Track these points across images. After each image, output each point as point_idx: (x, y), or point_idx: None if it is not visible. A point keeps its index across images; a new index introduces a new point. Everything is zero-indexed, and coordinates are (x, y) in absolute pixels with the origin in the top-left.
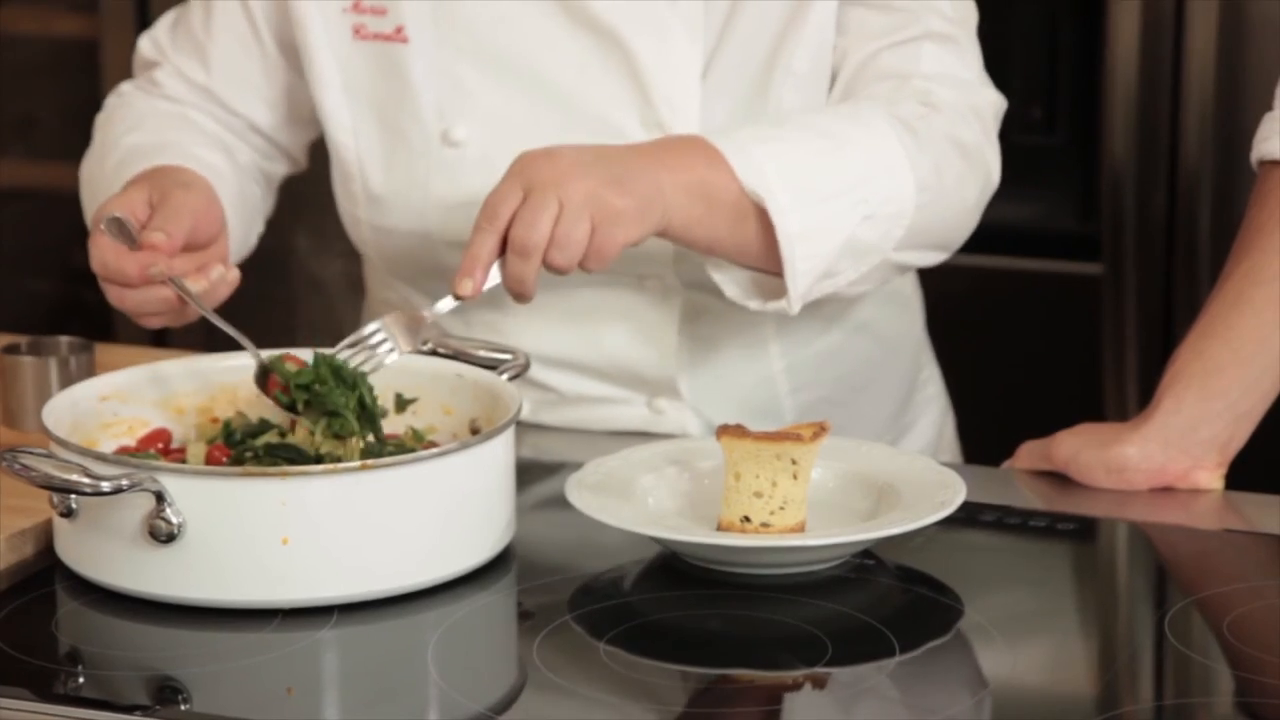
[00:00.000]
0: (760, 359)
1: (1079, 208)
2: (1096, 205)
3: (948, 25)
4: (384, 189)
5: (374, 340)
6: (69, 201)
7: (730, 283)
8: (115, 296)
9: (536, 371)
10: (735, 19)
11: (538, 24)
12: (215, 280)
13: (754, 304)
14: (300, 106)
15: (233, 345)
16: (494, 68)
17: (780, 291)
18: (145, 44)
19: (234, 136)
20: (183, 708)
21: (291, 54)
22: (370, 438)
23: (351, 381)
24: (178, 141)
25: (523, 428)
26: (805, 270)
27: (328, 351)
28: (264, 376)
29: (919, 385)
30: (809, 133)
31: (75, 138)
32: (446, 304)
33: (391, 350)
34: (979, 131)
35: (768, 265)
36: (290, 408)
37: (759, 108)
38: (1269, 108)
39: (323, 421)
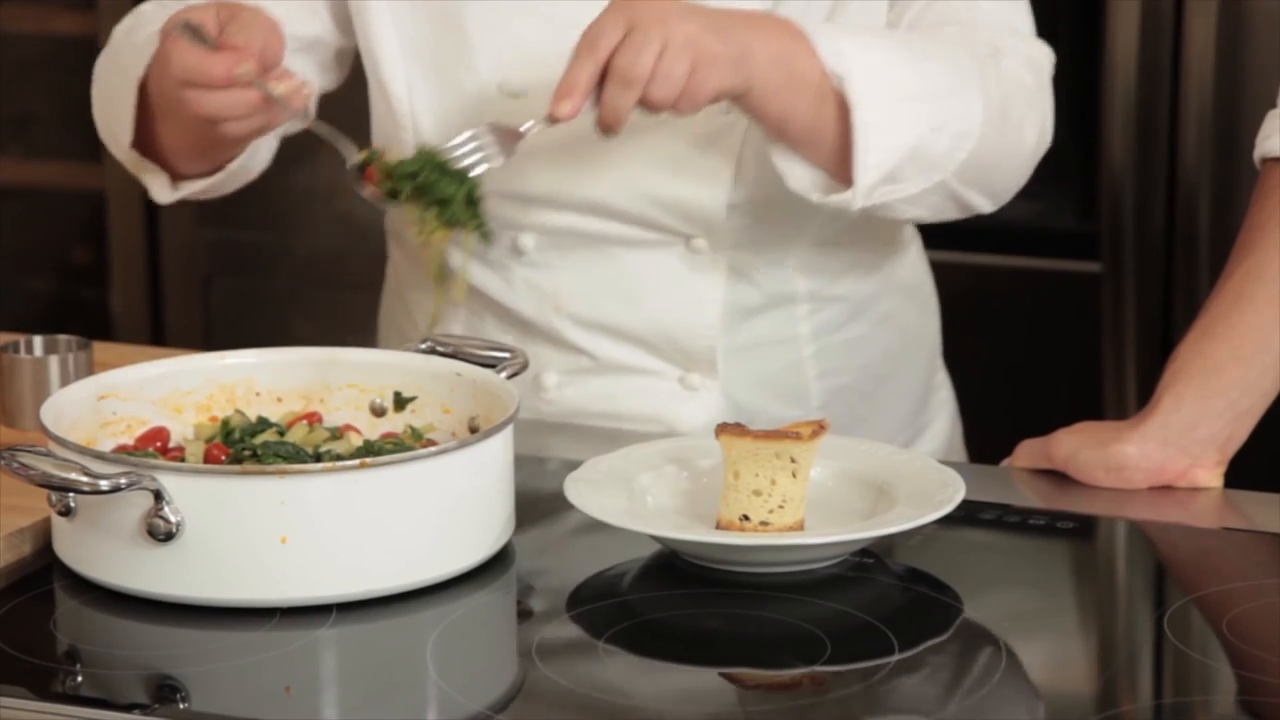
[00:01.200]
0: (791, 342)
1: (1078, 207)
2: (1096, 204)
3: None
4: (439, 140)
5: (469, 146)
6: (67, 200)
7: (794, 172)
8: (195, 101)
9: (574, 334)
10: None
11: None
12: (294, 86)
13: (816, 195)
14: (323, 53)
15: (232, 343)
16: (551, 22)
17: (837, 189)
18: None
19: None
20: (181, 706)
21: (335, 1)
22: (478, 233)
23: (458, 174)
24: None
25: (522, 426)
26: (874, 164)
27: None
28: (360, 171)
29: (934, 387)
30: (891, 39)
31: (73, 136)
32: (541, 125)
33: (488, 158)
34: (1038, 81)
35: (835, 158)
36: (392, 196)
37: None
38: (1269, 107)
39: (433, 210)
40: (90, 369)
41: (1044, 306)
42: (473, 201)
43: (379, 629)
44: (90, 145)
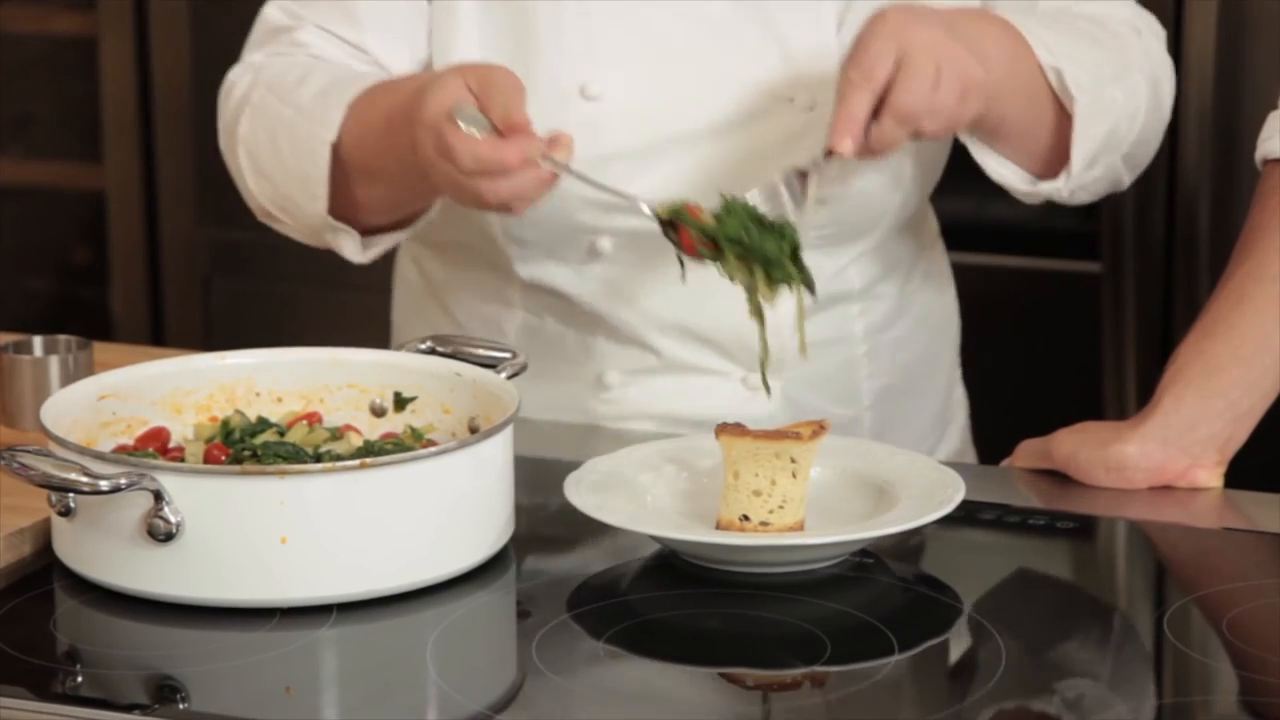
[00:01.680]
0: (846, 341)
1: (1078, 207)
2: (1096, 204)
3: None
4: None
5: (769, 196)
6: (67, 199)
7: (999, 167)
8: (490, 190)
9: (643, 330)
10: None
11: None
12: (570, 148)
13: (1025, 186)
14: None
15: (232, 343)
16: (626, 24)
17: (1042, 179)
18: (273, 11)
19: None
20: (181, 707)
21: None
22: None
23: (777, 228)
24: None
25: (522, 426)
26: (1086, 153)
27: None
28: (671, 230)
29: (954, 383)
30: (1068, 27)
31: (73, 136)
32: (822, 163)
33: (791, 207)
34: (1164, 52)
35: (1041, 151)
36: (714, 259)
37: None
38: (1269, 107)
39: (760, 272)
40: (90, 369)
41: (1044, 306)
42: (796, 255)
43: (379, 629)
44: (90, 145)
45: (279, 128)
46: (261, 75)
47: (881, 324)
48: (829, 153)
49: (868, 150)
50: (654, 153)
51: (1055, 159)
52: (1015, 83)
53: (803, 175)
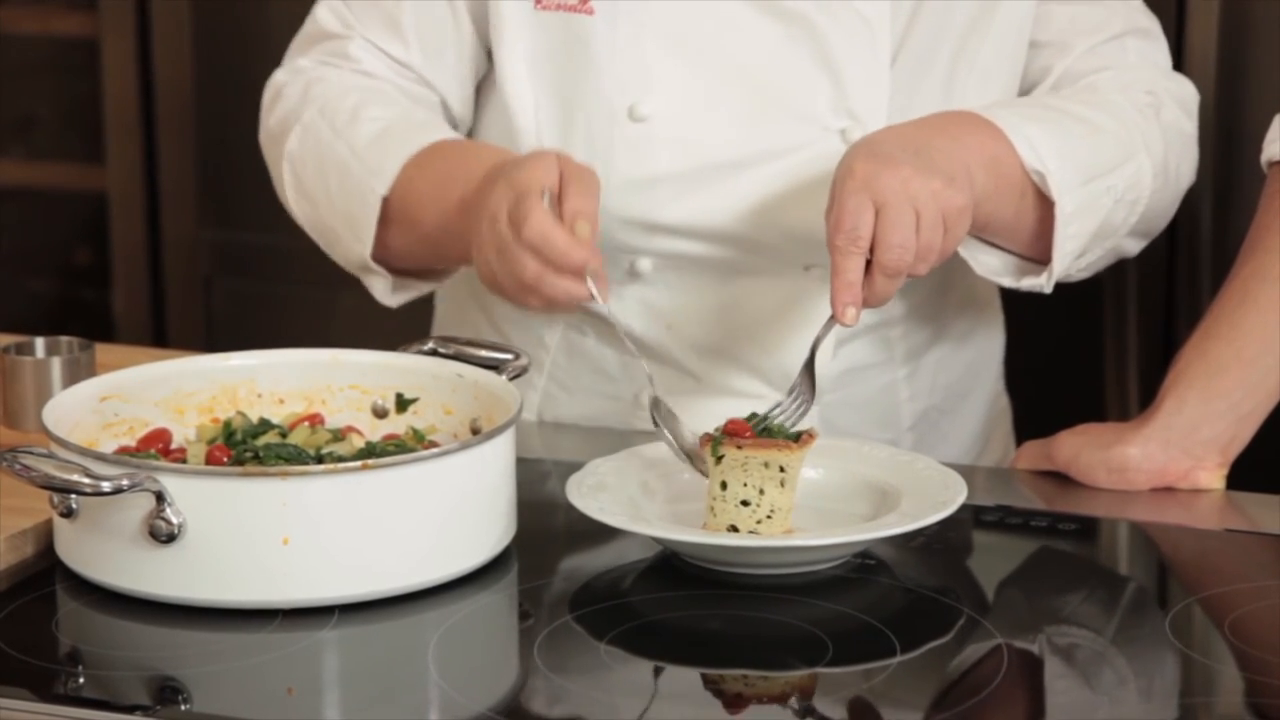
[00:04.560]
0: (887, 365)
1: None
2: None
3: (1148, 20)
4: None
5: (791, 401)
6: (69, 201)
7: (985, 261)
8: (534, 272)
9: (681, 354)
10: (921, 10)
11: (724, 8)
12: (605, 287)
13: (1007, 280)
14: (474, 81)
15: (233, 344)
16: (679, 46)
17: (1026, 270)
18: (325, 14)
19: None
20: (183, 708)
21: (481, 23)
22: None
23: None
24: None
25: (523, 427)
26: (1069, 250)
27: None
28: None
29: (997, 395)
30: (1066, 116)
31: (75, 137)
32: (825, 330)
33: (805, 409)
34: (1191, 124)
35: (1028, 244)
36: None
37: (943, 100)
38: (1271, 108)
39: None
40: (92, 370)
41: (1044, 307)
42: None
43: (381, 630)
44: (92, 146)
45: (329, 161)
46: (313, 92)
47: (922, 346)
48: (837, 323)
49: (865, 305)
50: (699, 177)
51: (1046, 245)
52: (1000, 185)
53: (811, 365)
